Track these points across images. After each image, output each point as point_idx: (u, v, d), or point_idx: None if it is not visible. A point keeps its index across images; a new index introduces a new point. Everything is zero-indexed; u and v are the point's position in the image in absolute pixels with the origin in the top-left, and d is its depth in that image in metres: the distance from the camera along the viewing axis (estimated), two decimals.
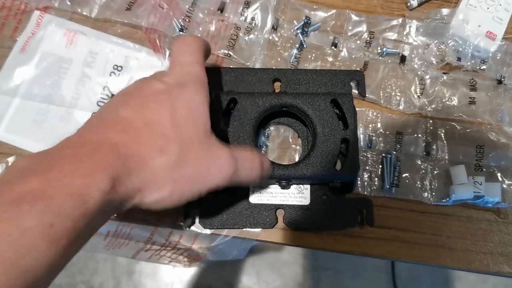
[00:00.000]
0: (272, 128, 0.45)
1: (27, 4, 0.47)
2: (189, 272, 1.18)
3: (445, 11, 0.48)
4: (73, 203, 0.25)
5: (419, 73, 0.46)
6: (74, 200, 0.25)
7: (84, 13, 0.46)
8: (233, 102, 0.41)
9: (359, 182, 0.43)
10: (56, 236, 0.24)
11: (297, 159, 0.44)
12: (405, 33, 0.48)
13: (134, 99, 0.32)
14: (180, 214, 0.41)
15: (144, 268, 1.19)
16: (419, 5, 0.49)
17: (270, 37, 0.47)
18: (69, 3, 0.46)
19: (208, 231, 0.42)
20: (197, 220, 0.41)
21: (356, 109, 0.43)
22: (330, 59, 0.47)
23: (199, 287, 1.18)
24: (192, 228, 0.41)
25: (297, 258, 1.20)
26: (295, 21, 0.48)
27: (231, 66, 0.46)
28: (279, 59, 0.47)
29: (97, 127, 0.31)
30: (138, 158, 0.29)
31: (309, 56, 0.47)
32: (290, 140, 0.45)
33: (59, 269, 0.26)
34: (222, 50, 0.46)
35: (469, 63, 0.46)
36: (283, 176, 0.40)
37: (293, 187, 0.42)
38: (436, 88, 0.46)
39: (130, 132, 0.30)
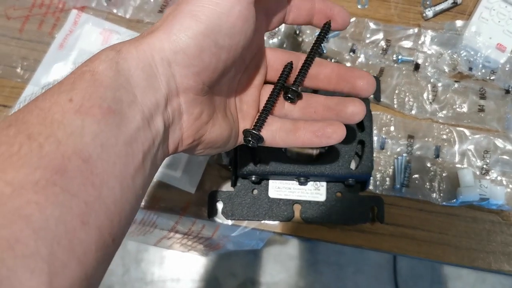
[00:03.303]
0: None
1: (65, 3, 0.50)
2: (196, 262, 1.22)
3: (458, 22, 0.50)
4: None
5: (432, 80, 0.49)
6: None
7: (119, 14, 0.49)
8: None
9: (371, 181, 0.46)
10: None
11: (315, 158, 0.47)
12: (420, 42, 0.50)
13: None
14: (204, 205, 0.44)
15: (152, 256, 1.22)
16: (434, 16, 0.51)
17: (293, 42, 0.50)
18: (105, 4, 0.49)
19: (229, 222, 0.45)
20: (219, 211, 0.44)
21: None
22: (348, 64, 0.49)
23: (205, 277, 1.21)
24: (215, 218, 0.44)
25: (301, 252, 1.23)
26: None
27: None
28: None
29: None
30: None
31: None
32: None
33: None
34: None
35: (479, 73, 0.49)
36: (302, 173, 0.42)
37: (310, 183, 0.45)
38: (448, 95, 0.49)
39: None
